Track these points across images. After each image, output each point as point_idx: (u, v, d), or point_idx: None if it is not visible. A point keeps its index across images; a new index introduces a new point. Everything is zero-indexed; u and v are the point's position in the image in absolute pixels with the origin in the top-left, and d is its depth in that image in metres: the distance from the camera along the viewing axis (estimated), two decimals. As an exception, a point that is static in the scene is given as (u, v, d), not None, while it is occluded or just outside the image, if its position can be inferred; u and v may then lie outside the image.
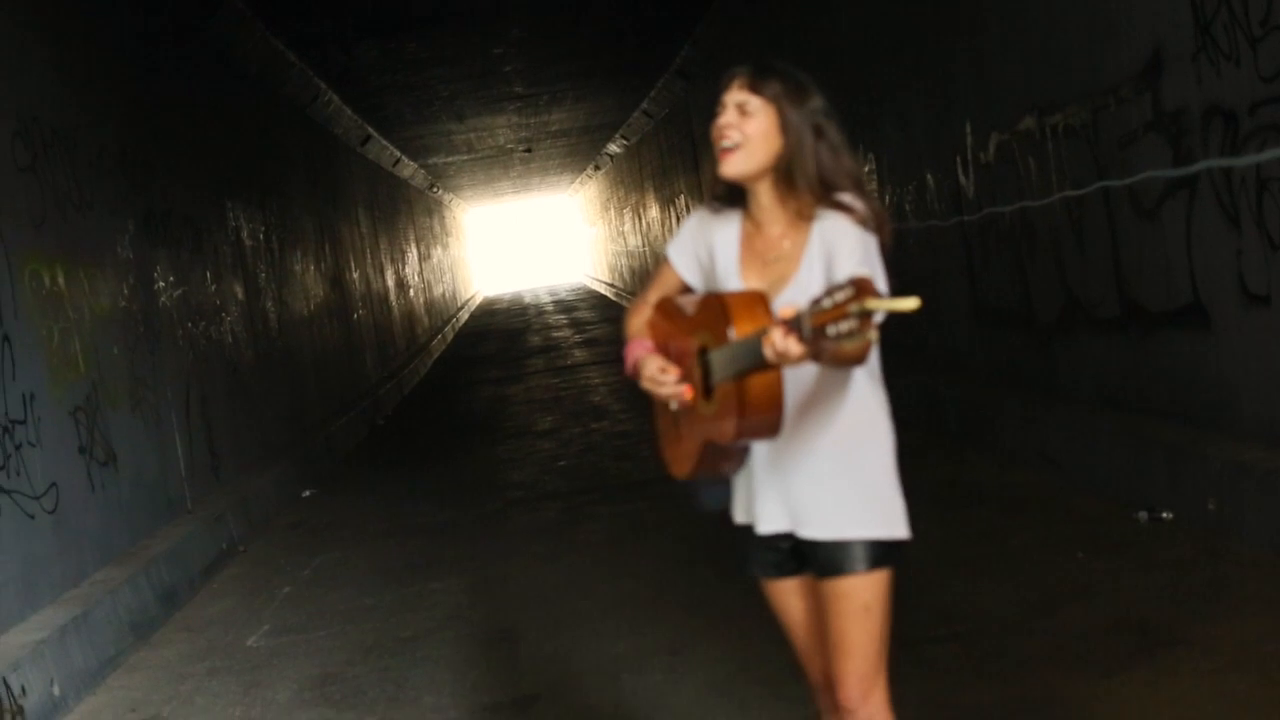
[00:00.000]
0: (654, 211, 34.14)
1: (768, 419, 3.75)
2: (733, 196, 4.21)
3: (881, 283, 3.90)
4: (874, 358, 4.04)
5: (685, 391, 3.99)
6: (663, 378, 4.03)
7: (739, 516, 4.22)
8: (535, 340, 35.24)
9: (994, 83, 11.15)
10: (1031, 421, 10.87)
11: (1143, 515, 8.67)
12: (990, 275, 11.89)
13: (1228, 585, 7.29)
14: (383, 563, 10.81)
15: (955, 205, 12.37)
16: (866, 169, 14.54)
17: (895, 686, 4.13)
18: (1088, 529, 8.74)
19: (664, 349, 4.12)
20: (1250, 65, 7.78)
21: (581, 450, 15.43)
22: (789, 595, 4.23)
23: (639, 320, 4.31)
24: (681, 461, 4.16)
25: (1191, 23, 8.25)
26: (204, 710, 7.74)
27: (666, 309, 4.18)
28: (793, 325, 3.36)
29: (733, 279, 4.11)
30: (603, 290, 52.81)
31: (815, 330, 3.28)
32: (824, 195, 3.99)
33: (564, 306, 49.71)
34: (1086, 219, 9.94)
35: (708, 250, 4.21)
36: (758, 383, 3.68)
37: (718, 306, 3.77)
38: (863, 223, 3.94)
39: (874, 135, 14.13)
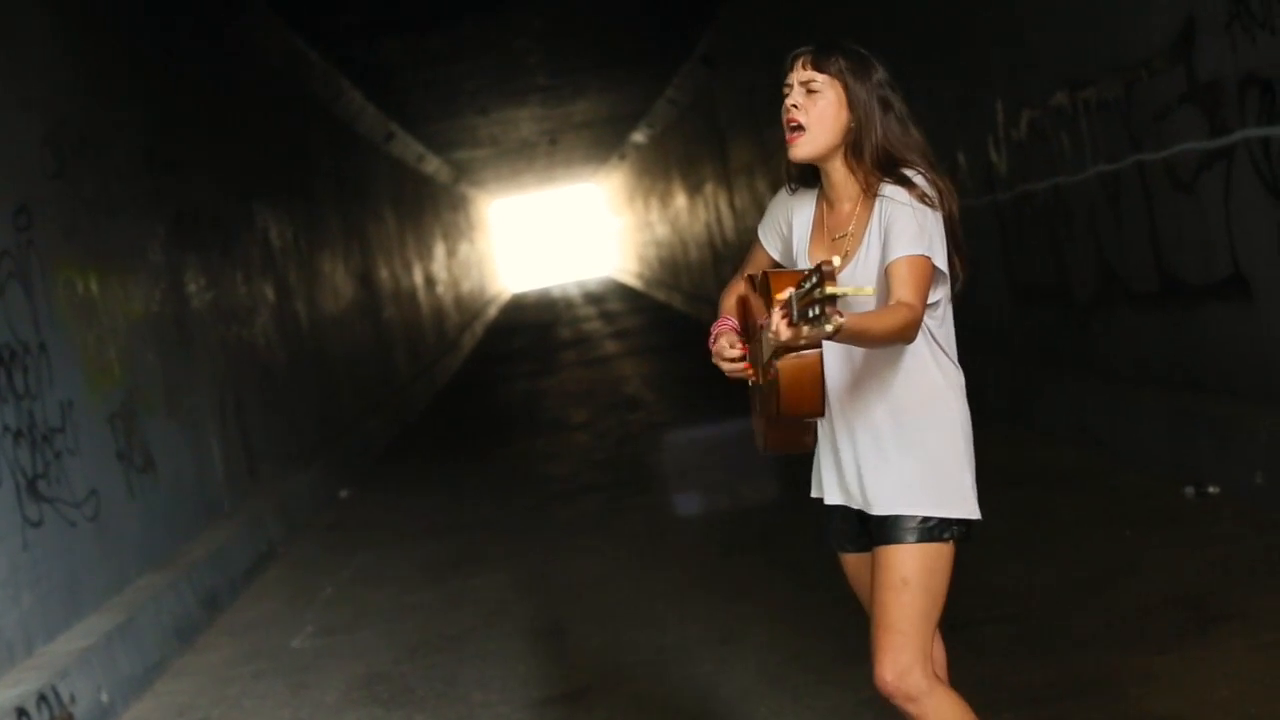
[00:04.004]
0: (681, 201, 34.07)
1: (806, 399, 3.84)
2: (806, 177, 4.25)
3: (940, 258, 3.99)
4: (944, 334, 4.14)
5: (745, 368, 4.10)
6: (729, 352, 4.14)
7: (814, 490, 4.28)
8: (566, 333, 35.24)
9: (1024, 58, 11.06)
10: (1072, 399, 10.82)
11: (1189, 490, 8.60)
12: (1026, 253, 11.82)
13: (1278, 558, 7.23)
14: (423, 560, 10.78)
15: (988, 184, 12.30)
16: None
17: (948, 669, 4.08)
18: (1134, 506, 8.68)
19: (752, 324, 4.17)
20: (1286, 32, 7.70)
21: (618, 442, 15.40)
22: (861, 570, 4.23)
23: (730, 299, 4.37)
24: (759, 436, 4.28)
25: (1224, -9, 8.17)
26: (252, 713, 7.72)
27: (750, 285, 4.24)
28: (787, 308, 3.45)
29: (802, 256, 4.21)
30: (631, 282, 52.77)
31: (801, 313, 3.39)
32: (890, 169, 4.04)
33: (593, 299, 49.71)
34: (1122, 193, 9.86)
35: (788, 224, 4.29)
36: (790, 364, 3.78)
37: (765, 284, 3.83)
38: (923, 199, 3.98)
39: (903, 116, 14.02)
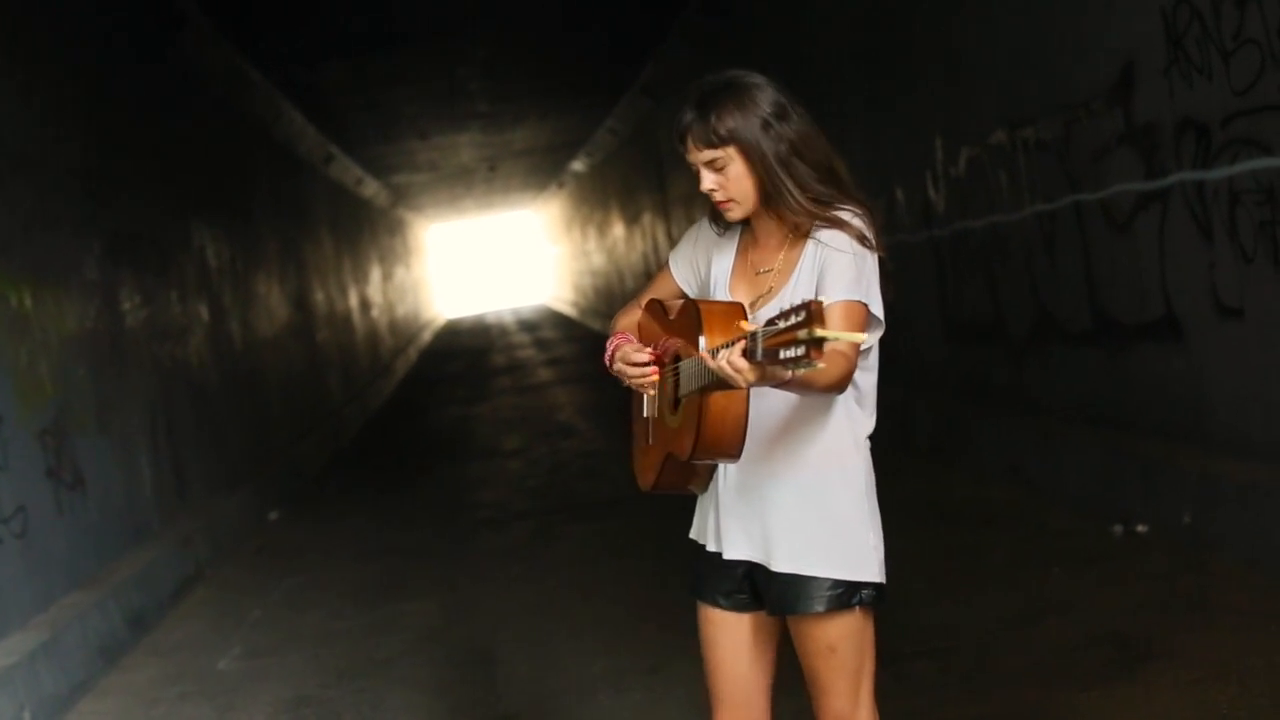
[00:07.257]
0: (619, 230, 34.10)
1: (726, 440, 3.64)
2: None
3: (876, 304, 3.78)
4: (868, 384, 3.93)
5: (653, 374, 3.90)
6: (636, 356, 3.94)
7: (696, 535, 4.10)
8: (500, 360, 35.19)
9: (965, 96, 11.15)
10: (1004, 436, 10.87)
11: (1118, 529, 8.66)
12: (961, 290, 11.89)
13: (1205, 598, 7.29)
14: (353, 585, 10.73)
15: (925, 220, 12.37)
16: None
17: (876, 704, 4.06)
18: (1063, 543, 8.73)
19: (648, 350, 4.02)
20: (1223, 78, 7.79)
21: (550, 469, 15.39)
22: (725, 629, 4.08)
23: (627, 319, 4.19)
24: (646, 472, 4.06)
25: (1163, 36, 8.26)
26: (177, 735, 7.67)
27: (654, 310, 4.06)
28: (751, 341, 3.25)
29: (721, 289, 3.99)
30: (566, 310, 52.77)
31: (767, 352, 3.18)
32: (817, 210, 3.83)
33: (527, 326, 49.67)
34: (1058, 233, 9.94)
35: (706, 259, 4.08)
36: (719, 401, 3.58)
37: (694, 314, 3.65)
38: (861, 240, 3.79)
39: (843, 150, 14.00)
